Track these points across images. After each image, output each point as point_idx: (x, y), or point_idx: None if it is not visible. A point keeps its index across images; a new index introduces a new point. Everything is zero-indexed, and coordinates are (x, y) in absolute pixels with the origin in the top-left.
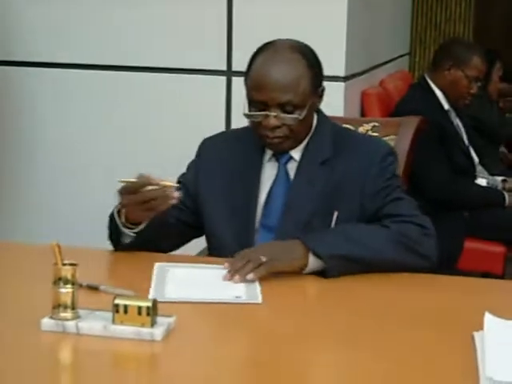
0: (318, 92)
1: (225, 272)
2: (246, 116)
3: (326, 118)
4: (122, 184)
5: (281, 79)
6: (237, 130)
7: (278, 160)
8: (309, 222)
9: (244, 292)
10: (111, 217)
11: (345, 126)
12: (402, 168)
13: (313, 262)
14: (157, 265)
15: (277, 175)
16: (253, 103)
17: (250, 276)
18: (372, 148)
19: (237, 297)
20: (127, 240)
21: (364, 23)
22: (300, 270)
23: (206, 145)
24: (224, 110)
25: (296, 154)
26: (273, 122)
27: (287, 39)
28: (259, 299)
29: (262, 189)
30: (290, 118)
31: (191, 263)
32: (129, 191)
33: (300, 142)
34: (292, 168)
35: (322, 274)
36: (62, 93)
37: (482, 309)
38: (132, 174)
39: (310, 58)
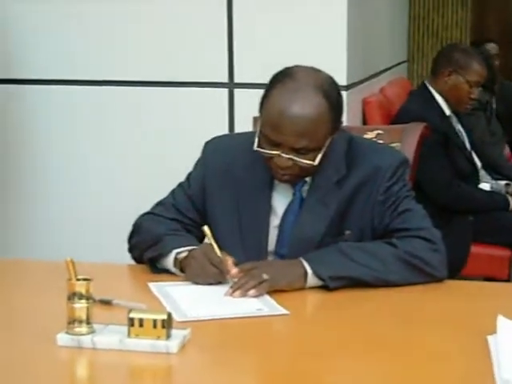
0: (337, 128)
1: (225, 288)
2: (257, 151)
3: (341, 131)
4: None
5: (299, 124)
6: (243, 137)
7: (291, 184)
8: (320, 244)
9: (262, 304)
10: (157, 243)
11: None
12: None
13: (314, 282)
14: (152, 284)
15: (291, 202)
16: (266, 138)
17: (252, 292)
18: (383, 162)
19: (259, 309)
20: (161, 267)
21: (363, 32)
22: (300, 288)
23: (211, 149)
24: (227, 122)
25: (309, 177)
26: (285, 163)
27: (309, 70)
28: (283, 310)
29: (273, 212)
30: (303, 162)
31: (181, 282)
32: (207, 254)
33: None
34: (306, 190)
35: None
36: (61, 109)
37: (493, 312)
38: (134, 188)
39: (332, 98)
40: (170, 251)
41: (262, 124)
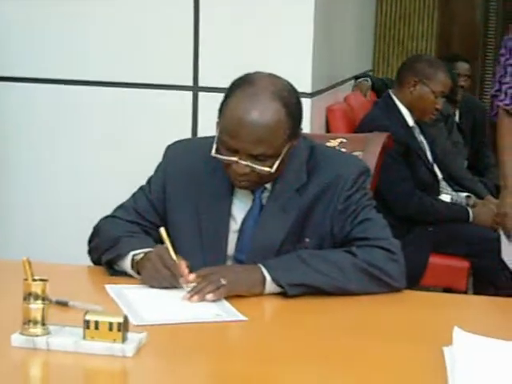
0: (295, 135)
1: (183, 292)
2: (215, 157)
3: (302, 138)
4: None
5: (256, 131)
6: (205, 141)
7: (251, 191)
8: (279, 251)
9: (220, 310)
10: (112, 245)
11: None
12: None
13: (272, 288)
14: (109, 286)
15: (251, 208)
16: (223, 144)
17: (210, 296)
18: (344, 171)
19: (217, 315)
20: (118, 269)
21: (329, 40)
22: (258, 294)
23: (173, 153)
24: (190, 125)
25: (269, 183)
26: (242, 169)
27: (268, 77)
28: (242, 316)
29: (233, 218)
30: (260, 168)
31: (138, 284)
32: (162, 256)
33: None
34: (266, 197)
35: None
36: (29, 107)
37: (450, 324)
38: (95, 190)
39: (290, 104)
40: (127, 253)
41: (220, 130)
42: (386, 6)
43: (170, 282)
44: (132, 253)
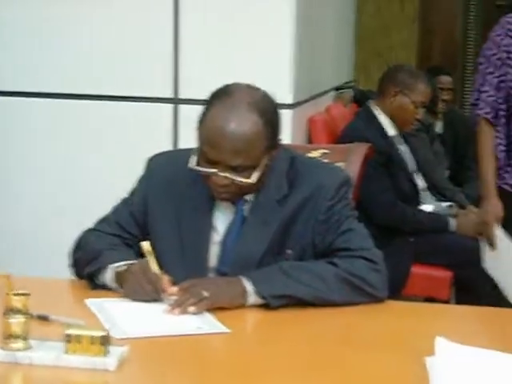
0: (274, 146)
1: (165, 305)
2: (194, 170)
3: (283, 149)
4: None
5: (233, 142)
6: (187, 153)
7: (233, 202)
8: (260, 263)
9: (202, 322)
10: (95, 259)
11: None
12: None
13: (254, 300)
14: (89, 301)
15: (233, 220)
16: (203, 155)
17: (192, 309)
18: (325, 181)
19: (199, 327)
20: (99, 283)
21: (310, 51)
22: (241, 306)
23: (154, 165)
24: (171, 138)
25: (251, 195)
26: (222, 181)
27: (246, 88)
28: (224, 328)
29: (215, 230)
30: (240, 180)
31: (119, 298)
32: (144, 270)
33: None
34: (248, 209)
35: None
36: (8, 122)
37: (432, 334)
38: (76, 203)
39: (267, 115)
40: (109, 266)
41: (199, 141)
42: (365, 17)
43: (152, 296)
44: (113, 265)
